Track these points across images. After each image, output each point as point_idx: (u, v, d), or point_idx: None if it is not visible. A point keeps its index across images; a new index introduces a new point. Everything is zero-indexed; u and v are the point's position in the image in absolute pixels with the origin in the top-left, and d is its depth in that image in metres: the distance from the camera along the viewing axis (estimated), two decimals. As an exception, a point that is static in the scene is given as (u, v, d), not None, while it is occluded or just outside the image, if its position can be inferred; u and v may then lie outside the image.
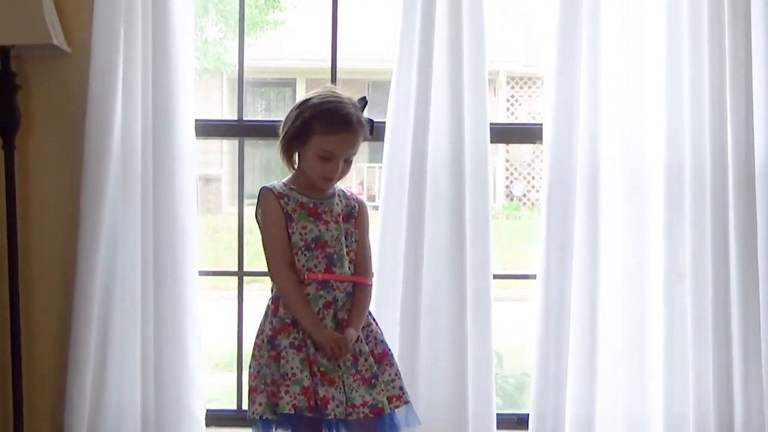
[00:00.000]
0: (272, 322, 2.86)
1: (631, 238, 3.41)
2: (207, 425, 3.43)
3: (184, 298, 3.35)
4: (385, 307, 3.32)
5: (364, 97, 2.96)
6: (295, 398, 2.74)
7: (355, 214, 2.97)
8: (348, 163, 2.90)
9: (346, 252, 2.90)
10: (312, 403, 2.76)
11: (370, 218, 3.05)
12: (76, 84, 3.37)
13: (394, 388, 2.89)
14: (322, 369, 2.79)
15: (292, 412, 2.74)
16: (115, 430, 3.38)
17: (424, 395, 3.31)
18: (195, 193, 3.41)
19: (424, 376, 3.33)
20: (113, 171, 3.32)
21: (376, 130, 3.22)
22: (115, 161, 3.33)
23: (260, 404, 2.80)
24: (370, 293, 3.01)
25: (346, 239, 2.91)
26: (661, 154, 3.37)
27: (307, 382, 2.76)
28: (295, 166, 2.95)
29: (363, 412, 2.79)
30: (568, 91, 3.35)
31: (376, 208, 3.28)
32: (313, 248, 2.85)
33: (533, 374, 3.41)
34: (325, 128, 2.83)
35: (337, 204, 2.93)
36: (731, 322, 3.32)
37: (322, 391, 2.77)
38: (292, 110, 2.90)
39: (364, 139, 2.92)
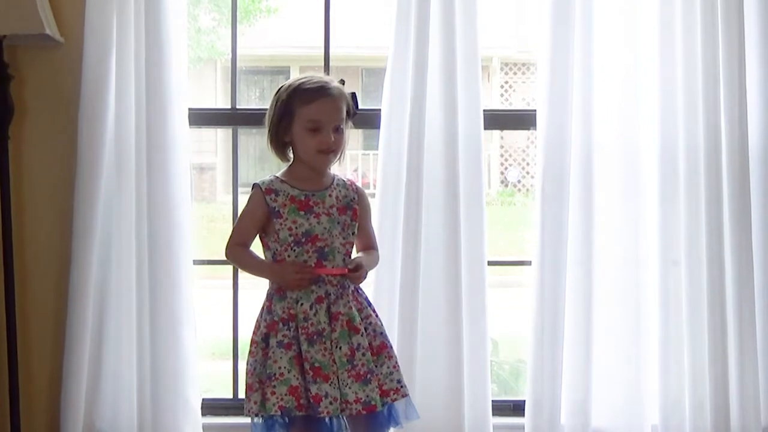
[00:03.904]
0: (266, 319, 2.85)
1: (626, 224, 3.41)
2: (203, 414, 3.42)
3: (179, 287, 3.35)
4: (382, 294, 3.33)
5: (342, 80, 2.95)
6: (281, 399, 2.74)
7: (354, 205, 2.93)
8: (339, 132, 2.87)
9: (341, 244, 2.88)
10: (302, 401, 2.75)
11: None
12: (69, 74, 3.36)
13: (392, 381, 2.87)
14: (316, 365, 2.77)
15: (279, 413, 2.75)
16: (111, 419, 3.38)
17: (419, 381, 3.31)
18: (189, 182, 3.40)
19: (420, 362, 3.33)
20: (107, 160, 3.32)
21: (370, 118, 3.26)
22: (109, 151, 3.32)
23: (255, 402, 2.80)
24: (377, 257, 3.05)
25: (342, 231, 2.89)
26: (655, 140, 3.37)
27: (295, 382, 2.75)
28: (290, 157, 2.94)
29: (356, 409, 2.78)
30: (562, 77, 3.34)
31: (372, 195, 3.27)
32: (303, 243, 2.82)
33: (529, 361, 3.41)
34: (303, 99, 2.83)
35: (331, 195, 2.89)
36: (726, 308, 3.32)
37: (314, 389, 2.74)
38: (269, 107, 2.92)
39: (353, 114, 2.91)
